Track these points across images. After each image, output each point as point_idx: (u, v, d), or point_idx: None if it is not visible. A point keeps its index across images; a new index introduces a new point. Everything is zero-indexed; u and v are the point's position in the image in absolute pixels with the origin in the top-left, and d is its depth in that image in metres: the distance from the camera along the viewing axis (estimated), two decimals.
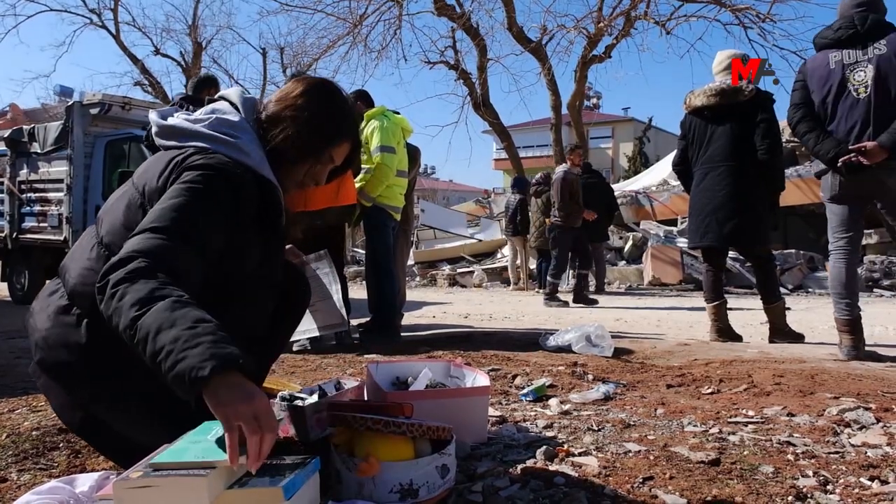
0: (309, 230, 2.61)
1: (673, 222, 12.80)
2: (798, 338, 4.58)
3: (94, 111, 8.39)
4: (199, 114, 1.78)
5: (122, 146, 8.19)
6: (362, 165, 4.87)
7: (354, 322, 5.03)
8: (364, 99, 5.22)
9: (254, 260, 1.71)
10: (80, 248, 1.73)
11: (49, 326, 1.63)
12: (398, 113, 5.18)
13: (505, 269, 12.37)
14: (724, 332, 4.65)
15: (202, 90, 5.44)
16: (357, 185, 4.85)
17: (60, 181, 8.51)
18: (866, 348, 3.89)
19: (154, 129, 1.81)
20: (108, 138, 8.38)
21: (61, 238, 8.43)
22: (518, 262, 11.37)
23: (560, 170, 8.52)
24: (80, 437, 1.78)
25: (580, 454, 1.96)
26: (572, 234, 8.31)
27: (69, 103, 8.91)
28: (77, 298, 1.63)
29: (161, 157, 1.71)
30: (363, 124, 5.01)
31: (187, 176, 1.57)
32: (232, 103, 1.81)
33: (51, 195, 8.74)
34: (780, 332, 4.59)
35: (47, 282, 7.74)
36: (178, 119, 1.78)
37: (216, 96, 1.93)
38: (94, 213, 8.16)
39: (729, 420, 2.35)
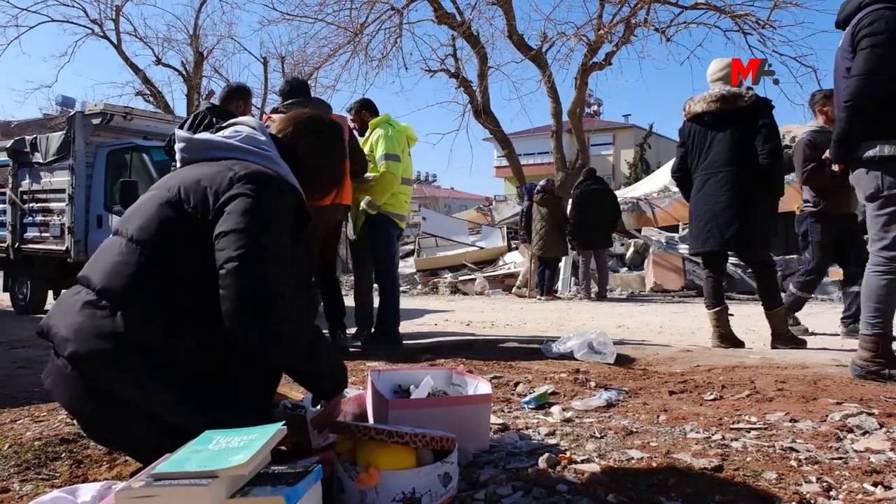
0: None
1: (674, 228, 12.79)
2: (800, 343, 4.56)
3: (95, 121, 8.41)
4: (226, 133, 1.91)
5: (124, 156, 8.17)
6: (367, 174, 4.89)
7: (351, 331, 5.05)
8: (369, 108, 5.24)
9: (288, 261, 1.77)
10: (103, 253, 1.78)
11: (80, 320, 1.65)
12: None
13: (507, 276, 12.37)
14: (726, 338, 4.64)
15: (232, 101, 5.01)
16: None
17: (62, 191, 8.52)
18: None
19: (180, 145, 1.89)
20: (110, 148, 8.39)
21: (63, 248, 8.42)
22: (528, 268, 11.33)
23: (805, 132, 5.42)
24: (85, 428, 1.77)
25: (583, 461, 1.95)
26: (837, 224, 5.24)
27: (70, 113, 8.92)
28: (107, 291, 1.67)
29: (197, 169, 1.80)
30: (368, 132, 5.03)
31: (249, 191, 1.69)
32: (251, 127, 1.93)
33: (53, 205, 8.75)
34: (783, 337, 4.58)
35: (49, 292, 7.74)
36: (207, 134, 1.90)
37: (229, 122, 2.02)
38: (95, 223, 8.21)
39: (732, 426, 2.34)
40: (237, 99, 5.05)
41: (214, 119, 4.69)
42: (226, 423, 1.44)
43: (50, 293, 9.14)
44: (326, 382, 1.83)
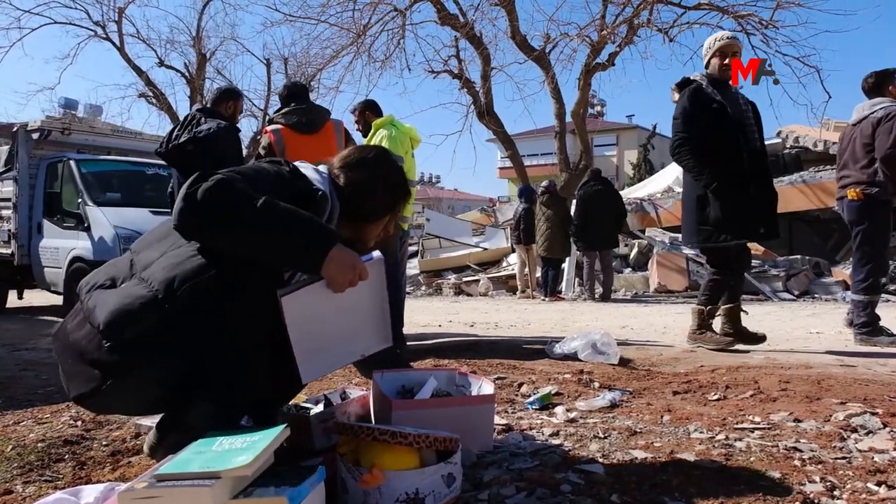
0: None
1: (678, 229, 12.77)
2: (720, 343, 4.50)
3: (35, 136, 9.00)
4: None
5: (57, 167, 8.73)
6: None
7: None
8: (372, 108, 5.23)
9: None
10: (153, 231, 1.90)
11: (76, 323, 1.72)
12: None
13: (510, 277, 12.37)
14: None
15: (221, 103, 5.10)
16: None
17: (9, 200, 9.14)
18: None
19: None
20: (49, 161, 8.96)
21: (9, 252, 9.04)
22: (525, 270, 11.38)
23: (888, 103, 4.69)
24: (68, 379, 1.74)
25: (586, 462, 1.95)
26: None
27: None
28: (139, 263, 1.76)
29: None
30: (371, 133, 5.03)
31: None
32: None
33: (3, 213, 9.39)
34: (697, 331, 4.60)
35: (9, 293, 8.22)
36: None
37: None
38: (36, 229, 8.84)
39: (735, 426, 2.34)
40: (227, 100, 5.13)
41: (204, 120, 4.73)
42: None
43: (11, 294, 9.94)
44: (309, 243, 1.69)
